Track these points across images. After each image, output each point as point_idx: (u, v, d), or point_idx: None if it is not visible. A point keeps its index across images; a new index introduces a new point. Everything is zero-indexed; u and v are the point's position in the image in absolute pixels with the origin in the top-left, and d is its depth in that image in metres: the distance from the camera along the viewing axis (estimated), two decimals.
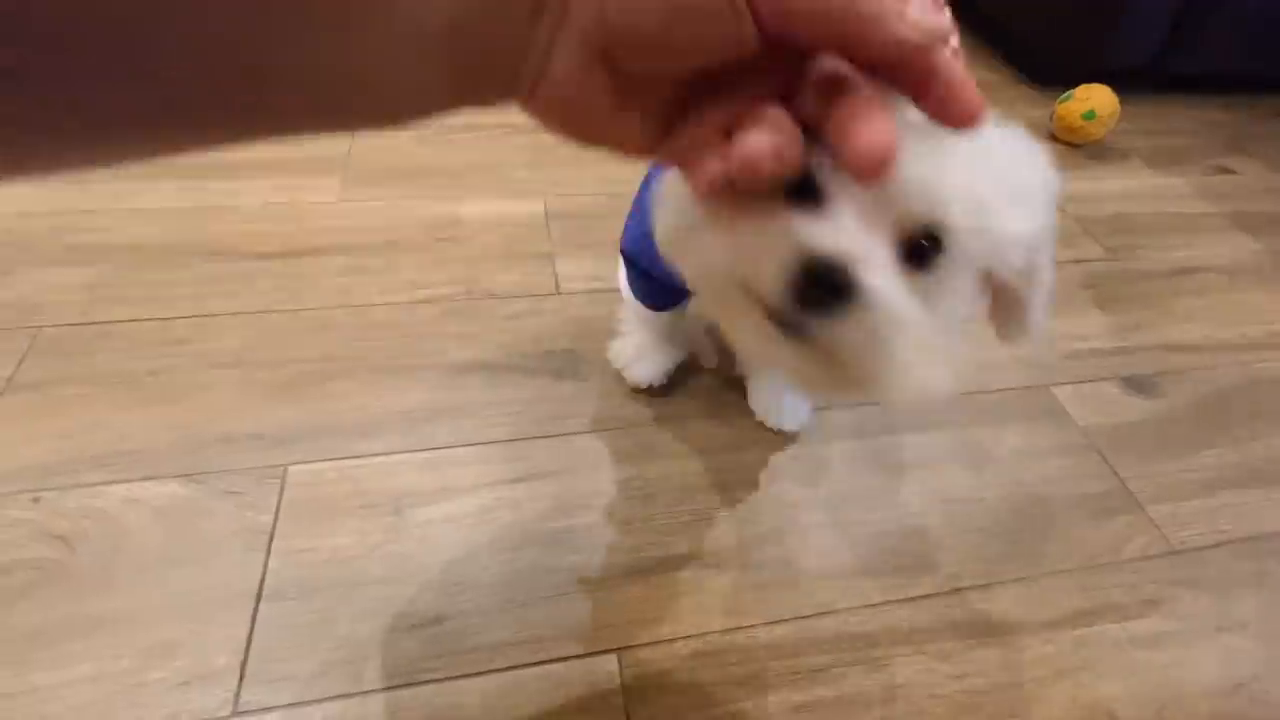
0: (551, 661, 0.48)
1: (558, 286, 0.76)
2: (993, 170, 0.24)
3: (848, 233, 0.22)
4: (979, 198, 0.23)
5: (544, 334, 0.71)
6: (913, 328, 0.22)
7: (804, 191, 0.23)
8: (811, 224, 0.22)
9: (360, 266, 0.76)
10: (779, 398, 0.63)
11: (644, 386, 0.65)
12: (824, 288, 0.21)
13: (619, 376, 0.67)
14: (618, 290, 0.69)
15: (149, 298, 0.69)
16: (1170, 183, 1.10)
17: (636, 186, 0.53)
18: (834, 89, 0.19)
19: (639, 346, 0.65)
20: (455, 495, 0.57)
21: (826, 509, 0.59)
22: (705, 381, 0.68)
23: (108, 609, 0.48)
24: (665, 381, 0.66)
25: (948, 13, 0.24)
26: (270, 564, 0.51)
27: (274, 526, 0.53)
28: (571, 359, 0.69)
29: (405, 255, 0.78)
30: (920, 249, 0.24)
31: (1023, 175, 0.26)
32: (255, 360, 0.65)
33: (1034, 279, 0.29)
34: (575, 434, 0.62)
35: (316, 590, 0.50)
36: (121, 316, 0.67)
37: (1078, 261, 0.91)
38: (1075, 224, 0.97)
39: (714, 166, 0.19)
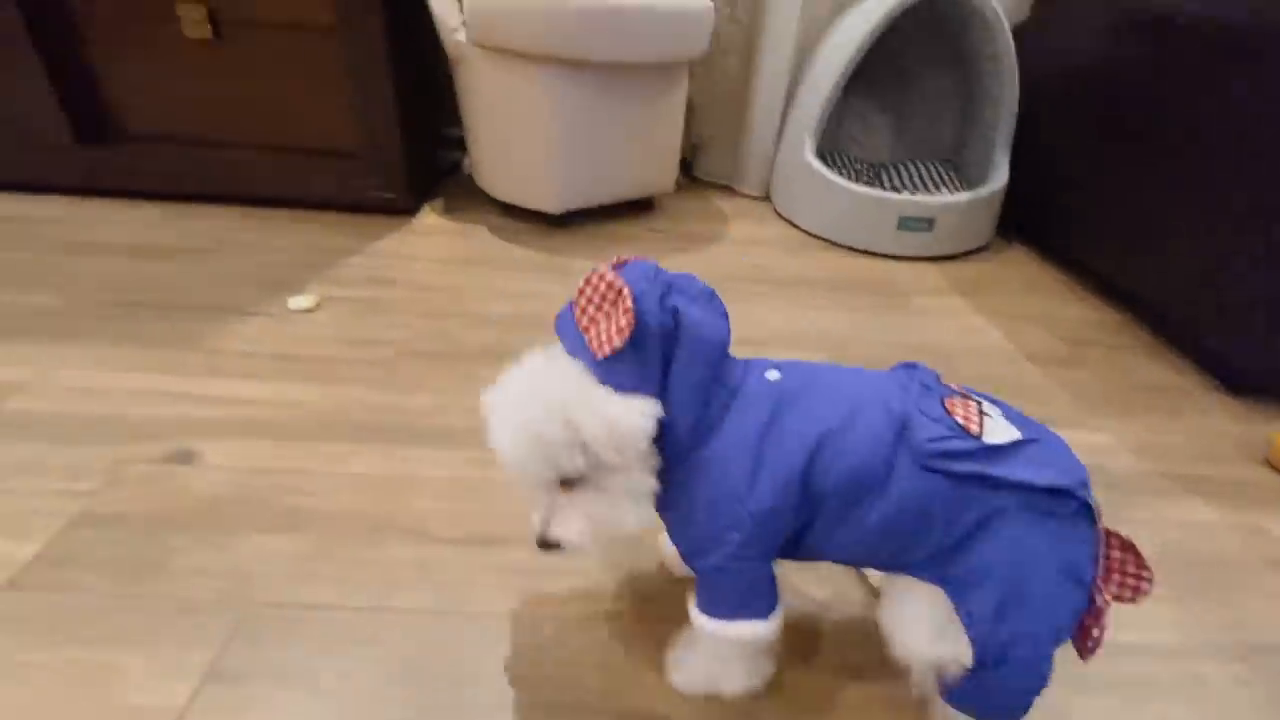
0: None
1: None
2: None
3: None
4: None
5: None
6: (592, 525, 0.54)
7: None
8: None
9: (539, 568, 0.75)
10: (689, 654, 0.62)
11: None
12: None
13: None
14: None
15: (343, 578, 0.72)
16: None
17: None
18: None
19: None
20: None
21: None
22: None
23: None
24: None
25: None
26: None
27: None
28: None
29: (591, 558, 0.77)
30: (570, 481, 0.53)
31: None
32: (424, 674, 0.64)
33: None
34: None
35: None
36: (318, 600, 0.70)
37: None
38: None
39: None
